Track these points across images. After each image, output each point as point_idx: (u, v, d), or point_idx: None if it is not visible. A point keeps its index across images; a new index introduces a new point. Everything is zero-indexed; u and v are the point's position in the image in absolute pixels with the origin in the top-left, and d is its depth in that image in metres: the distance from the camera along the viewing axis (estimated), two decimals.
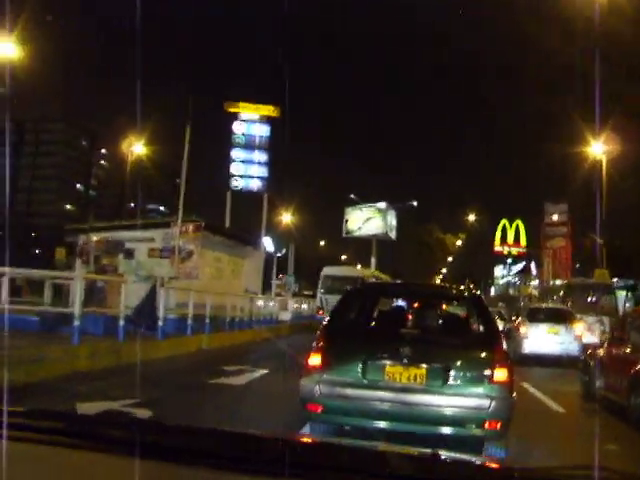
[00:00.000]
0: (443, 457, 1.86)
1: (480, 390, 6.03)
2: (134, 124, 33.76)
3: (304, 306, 43.95)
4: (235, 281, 27.62)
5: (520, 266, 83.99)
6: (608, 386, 10.61)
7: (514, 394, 6.25)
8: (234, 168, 49.41)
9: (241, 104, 49.81)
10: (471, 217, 73.81)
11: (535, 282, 79.06)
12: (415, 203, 66.23)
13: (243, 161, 49.70)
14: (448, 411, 6.02)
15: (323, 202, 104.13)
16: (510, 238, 72.51)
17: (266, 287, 40.31)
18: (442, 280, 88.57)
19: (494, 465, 1.97)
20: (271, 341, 21.30)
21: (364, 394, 6.14)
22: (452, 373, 6.08)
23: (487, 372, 6.05)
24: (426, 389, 6.09)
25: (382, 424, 6.14)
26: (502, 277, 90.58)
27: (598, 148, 31.92)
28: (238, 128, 49.65)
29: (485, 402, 5.95)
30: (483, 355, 6.27)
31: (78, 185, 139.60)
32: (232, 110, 49.64)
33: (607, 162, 31.79)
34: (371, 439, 4.78)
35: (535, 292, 60.05)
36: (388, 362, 6.19)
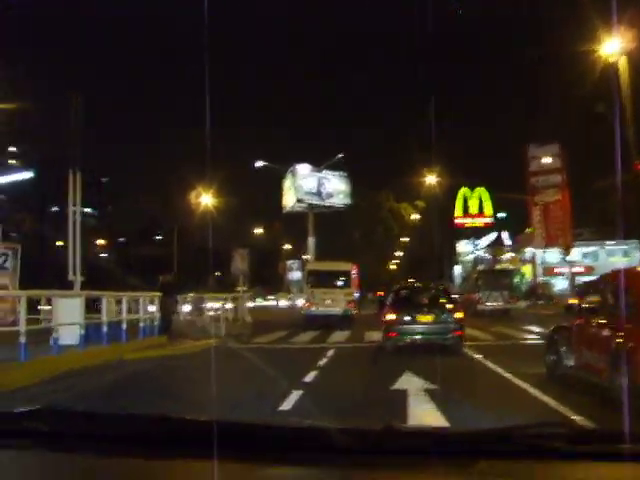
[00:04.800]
0: (396, 428, 2.22)
1: (451, 321, 17.17)
2: None
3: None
4: None
5: (488, 239, 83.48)
6: (581, 365, 9.61)
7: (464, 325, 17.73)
8: None
9: None
10: (429, 179, 60.22)
11: (509, 255, 78.56)
12: (341, 155, 58.10)
13: None
14: (440, 329, 16.96)
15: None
16: (473, 208, 71.60)
17: None
18: (397, 265, 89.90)
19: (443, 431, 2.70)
20: None
21: (411, 326, 17.11)
22: (441, 316, 17.23)
23: (453, 315, 17.37)
24: (432, 322, 17.10)
25: (417, 337, 17.09)
26: (468, 253, 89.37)
27: (613, 46, 25.15)
28: None
29: (452, 325, 17.05)
30: (451, 308, 17.73)
31: None
32: None
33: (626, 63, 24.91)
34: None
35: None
36: (418, 313, 17.28)
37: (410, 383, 11.03)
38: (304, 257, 57.45)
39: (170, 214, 78.44)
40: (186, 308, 28.83)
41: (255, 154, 67.56)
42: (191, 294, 30.25)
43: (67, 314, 15.77)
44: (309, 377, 12.43)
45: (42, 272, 65.57)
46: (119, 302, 18.79)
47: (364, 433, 2.12)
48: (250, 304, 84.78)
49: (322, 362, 15.20)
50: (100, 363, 14.77)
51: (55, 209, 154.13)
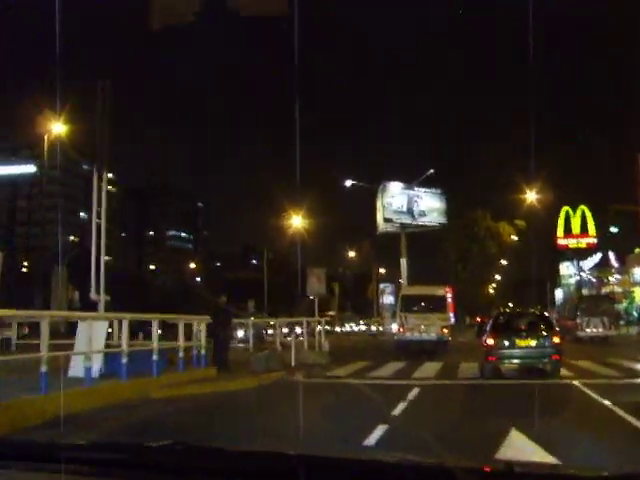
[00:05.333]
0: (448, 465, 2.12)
1: (549, 346, 17.70)
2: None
3: None
4: None
5: (593, 260, 77.72)
6: None
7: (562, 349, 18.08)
8: None
9: None
10: (530, 196, 53.29)
11: (616, 276, 72.51)
12: (432, 171, 55.08)
13: None
14: (538, 354, 17.75)
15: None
16: (576, 228, 66.91)
17: None
18: (494, 289, 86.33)
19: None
20: None
21: (509, 350, 17.75)
22: (539, 341, 17.78)
23: (551, 339, 17.81)
24: (531, 346, 17.74)
25: (516, 360, 18.13)
26: (571, 276, 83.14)
27: None
28: None
29: (550, 350, 17.60)
30: (549, 333, 18.13)
31: (82, 213, 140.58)
32: None
33: None
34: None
35: None
36: (516, 338, 17.89)
37: (523, 453, 7.56)
38: (400, 280, 53.41)
39: (262, 238, 77.08)
40: (246, 334, 25.88)
41: (348, 173, 64.71)
42: (252, 318, 27.26)
43: (84, 340, 13.03)
44: (375, 434, 9.00)
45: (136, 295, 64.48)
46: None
47: (486, 474, 2.04)
48: (338, 329, 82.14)
49: (399, 409, 11.61)
50: (108, 404, 11.67)
51: (151, 233, 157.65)
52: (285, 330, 26.41)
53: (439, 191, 56.11)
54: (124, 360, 13.08)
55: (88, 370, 12.08)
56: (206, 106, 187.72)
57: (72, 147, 41.00)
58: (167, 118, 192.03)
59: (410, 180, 55.06)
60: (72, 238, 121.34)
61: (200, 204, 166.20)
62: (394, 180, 55.63)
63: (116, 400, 11.62)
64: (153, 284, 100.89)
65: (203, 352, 17.06)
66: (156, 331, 14.71)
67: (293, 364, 21.14)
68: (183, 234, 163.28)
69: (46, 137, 40.24)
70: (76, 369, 13.22)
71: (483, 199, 77.43)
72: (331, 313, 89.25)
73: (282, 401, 13.18)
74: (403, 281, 52.72)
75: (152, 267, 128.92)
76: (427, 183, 55.29)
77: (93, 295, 15.12)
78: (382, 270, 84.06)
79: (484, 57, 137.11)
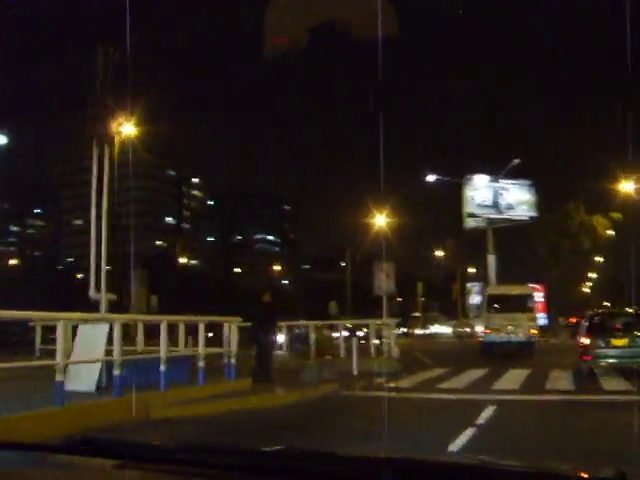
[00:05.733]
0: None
1: None
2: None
3: None
4: None
5: None
6: None
7: None
8: None
9: None
10: (627, 186, 47.12)
11: None
12: (517, 161, 50.11)
13: None
14: (634, 353, 17.09)
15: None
16: None
17: None
18: (590, 288, 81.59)
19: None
20: None
21: (605, 350, 17.58)
22: (635, 340, 17.61)
23: None
24: (626, 346, 17.55)
25: (611, 360, 17.56)
26: None
27: None
28: None
29: None
30: None
31: (169, 218, 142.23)
32: None
33: None
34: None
35: None
36: (612, 337, 17.90)
37: None
38: (493, 280, 49.67)
39: (350, 239, 74.26)
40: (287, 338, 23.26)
41: (431, 168, 60.94)
42: (303, 321, 24.40)
43: (85, 348, 10.57)
44: None
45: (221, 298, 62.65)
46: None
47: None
48: (418, 331, 78.54)
49: (459, 442, 8.32)
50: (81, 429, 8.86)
51: (238, 237, 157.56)
52: (345, 333, 23.55)
53: (527, 182, 51.83)
54: (116, 372, 10.43)
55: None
56: (288, 109, 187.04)
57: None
58: (249, 120, 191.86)
59: (495, 172, 51.25)
60: (158, 243, 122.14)
61: (287, 207, 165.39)
62: (479, 173, 51.94)
63: (92, 423, 8.84)
64: (239, 287, 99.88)
65: (233, 361, 14.05)
66: (165, 335, 11.93)
67: (355, 372, 18.36)
68: (270, 237, 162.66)
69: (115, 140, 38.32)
70: (77, 381, 10.83)
71: (574, 190, 71.01)
72: (416, 314, 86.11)
73: (309, 425, 10.31)
74: (491, 278, 49.45)
75: (238, 270, 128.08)
76: (514, 174, 51.29)
77: (92, 293, 12.53)
78: (472, 269, 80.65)
79: (575, 42, 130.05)
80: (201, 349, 13.02)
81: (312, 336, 22.38)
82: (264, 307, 15.91)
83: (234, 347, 14.00)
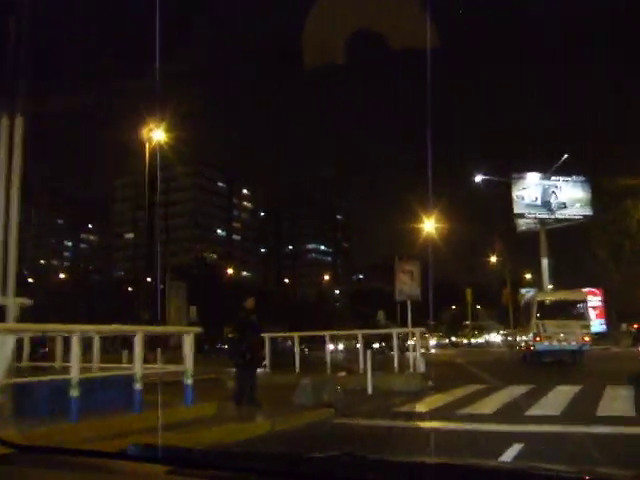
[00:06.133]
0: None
1: None
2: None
3: None
4: None
5: None
6: None
7: None
8: None
9: None
10: None
11: None
12: (566, 156, 47.17)
13: None
14: None
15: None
16: None
17: None
18: None
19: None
20: None
21: None
22: None
23: None
24: None
25: None
26: None
27: None
28: None
29: None
30: None
31: (219, 230, 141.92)
32: None
33: None
34: None
35: None
36: None
37: None
38: (548, 285, 46.11)
39: (402, 247, 71.51)
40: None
41: (479, 170, 57.42)
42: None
43: None
44: None
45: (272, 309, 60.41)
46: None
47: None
48: (466, 340, 74.79)
49: None
50: None
51: (290, 248, 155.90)
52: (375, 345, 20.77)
53: (581, 179, 48.06)
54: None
55: None
56: (333, 120, 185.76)
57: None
58: (298, 133, 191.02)
59: (545, 169, 47.62)
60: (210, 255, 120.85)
61: (339, 216, 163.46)
62: (528, 171, 48.32)
63: None
64: (290, 298, 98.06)
65: (190, 382, 11.02)
66: (98, 349, 9.14)
67: (370, 391, 15.43)
68: (322, 247, 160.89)
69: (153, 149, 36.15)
70: None
71: (628, 186, 65.96)
72: (467, 323, 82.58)
73: None
74: (546, 283, 46.34)
75: (287, 280, 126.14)
76: (567, 172, 47.57)
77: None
78: (528, 275, 77.24)
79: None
80: (137, 367, 10.04)
81: (296, 350, 20.24)
82: (247, 314, 12.98)
83: (190, 364, 11.00)
